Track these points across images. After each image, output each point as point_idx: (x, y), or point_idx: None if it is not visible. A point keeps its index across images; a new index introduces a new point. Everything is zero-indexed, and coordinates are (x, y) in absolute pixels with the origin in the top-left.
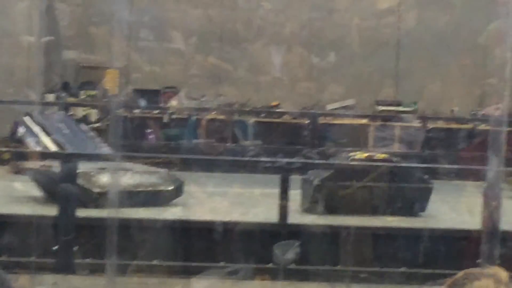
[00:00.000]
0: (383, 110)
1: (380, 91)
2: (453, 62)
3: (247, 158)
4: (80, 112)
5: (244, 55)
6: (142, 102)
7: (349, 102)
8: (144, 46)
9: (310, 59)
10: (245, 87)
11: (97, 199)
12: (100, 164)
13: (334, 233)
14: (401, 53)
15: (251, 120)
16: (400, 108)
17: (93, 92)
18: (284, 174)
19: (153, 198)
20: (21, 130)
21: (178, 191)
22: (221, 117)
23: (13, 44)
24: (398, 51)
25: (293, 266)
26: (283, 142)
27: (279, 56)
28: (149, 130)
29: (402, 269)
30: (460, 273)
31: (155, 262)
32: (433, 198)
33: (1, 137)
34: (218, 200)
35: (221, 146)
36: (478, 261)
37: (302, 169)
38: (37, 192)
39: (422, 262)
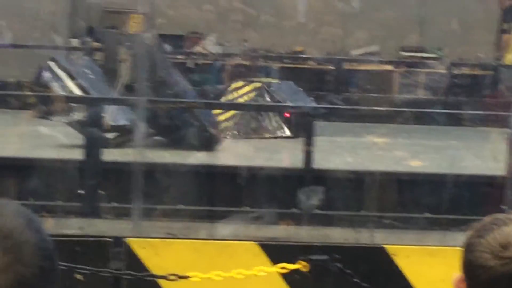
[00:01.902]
0: (407, 56)
1: (405, 37)
2: (479, 7)
3: (272, 104)
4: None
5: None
6: (166, 47)
7: (374, 48)
8: None
9: (334, 4)
10: (269, 32)
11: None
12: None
13: (358, 178)
14: None
15: (276, 65)
16: (425, 54)
17: None
18: (309, 119)
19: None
20: (46, 74)
21: None
22: (246, 62)
23: None
24: None
25: (317, 211)
26: (308, 88)
27: (304, 1)
28: None
29: (426, 215)
30: (487, 218)
31: (180, 206)
32: (458, 144)
33: (26, 81)
34: (243, 145)
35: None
36: (503, 207)
37: (327, 114)
38: (62, 136)
39: (446, 208)
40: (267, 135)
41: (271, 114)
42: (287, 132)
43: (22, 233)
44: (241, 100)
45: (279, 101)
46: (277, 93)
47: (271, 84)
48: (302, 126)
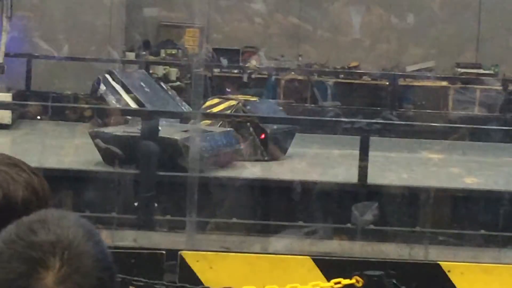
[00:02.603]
0: (463, 73)
1: (460, 53)
2: None
3: (326, 119)
4: (160, 70)
5: (324, 15)
6: (223, 61)
7: (429, 64)
8: (224, 5)
9: (390, 20)
10: (325, 47)
11: None
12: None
13: (413, 194)
14: (482, 15)
15: (331, 80)
16: (481, 71)
17: (173, 51)
18: (364, 135)
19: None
20: (102, 87)
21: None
22: (300, 77)
23: (96, 2)
24: (479, 14)
25: (371, 226)
26: (362, 103)
27: (359, 17)
28: (228, 90)
29: (482, 232)
30: None
31: (234, 220)
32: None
33: (83, 94)
34: (297, 160)
35: (300, 106)
36: None
37: (382, 130)
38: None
39: (502, 225)
40: (242, 157)
41: (250, 136)
42: (264, 155)
43: (82, 244)
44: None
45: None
46: (252, 112)
47: (248, 102)
48: (278, 148)
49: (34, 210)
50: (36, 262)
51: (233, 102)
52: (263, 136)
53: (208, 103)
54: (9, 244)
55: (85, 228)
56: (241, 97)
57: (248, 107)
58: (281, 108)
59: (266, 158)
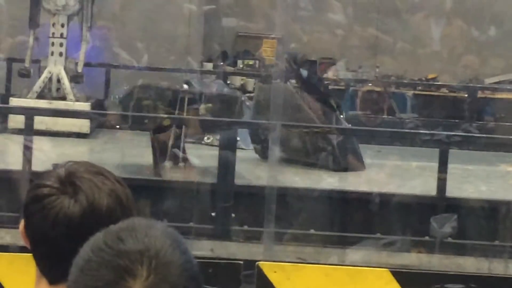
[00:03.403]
0: None
1: None
2: None
3: (405, 130)
4: (237, 81)
5: (403, 26)
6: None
7: (509, 76)
8: (302, 15)
9: (470, 32)
10: (403, 59)
11: None
12: None
13: (491, 207)
14: None
15: (409, 92)
16: None
17: (250, 61)
18: (443, 147)
19: None
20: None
21: None
22: (378, 88)
23: (175, 12)
24: None
25: (450, 239)
26: (441, 115)
27: (439, 29)
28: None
29: None
30: None
31: (311, 231)
32: None
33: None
34: (376, 171)
35: (378, 118)
36: None
37: (461, 143)
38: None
39: None
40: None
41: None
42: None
43: (169, 254)
44: None
45: None
46: None
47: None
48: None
49: (118, 218)
50: (123, 270)
51: None
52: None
53: None
54: (97, 252)
55: (172, 237)
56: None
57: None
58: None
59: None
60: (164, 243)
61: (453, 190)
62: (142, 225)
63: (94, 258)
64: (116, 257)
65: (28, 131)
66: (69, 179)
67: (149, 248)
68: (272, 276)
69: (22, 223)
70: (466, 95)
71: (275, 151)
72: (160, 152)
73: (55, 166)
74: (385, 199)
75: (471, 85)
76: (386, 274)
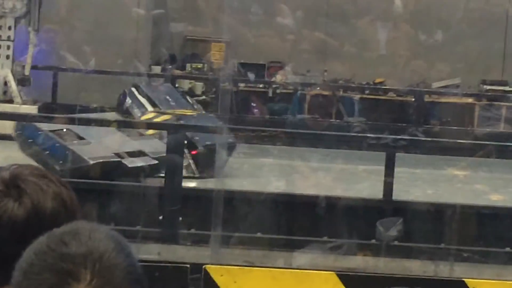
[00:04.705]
0: (489, 90)
1: (487, 71)
2: None
3: (352, 134)
4: (186, 84)
5: (350, 30)
6: (250, 76)
7: (455, 80)
8: (250, 19)
9: (416, 36)
10: (351, 63)
11: None
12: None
13: (438, 211)
14: (509, 33)
15: (356, 96)
16: (507, 88)
17: (199, 65)
18: (390, 150)
19: None
20: (128, 101)
21: None
22: (326, 92)
23: (123, 16)
24: (506, 31)
25: (396, 243)
26: (388, 119)
27: (386, 33)
28: (253, 104)
29: (507, 249)
30: None
31: (258, 234)
32: None
33: (109, 107)
34: (322, 175)
35: (325, 122)
36: None
37: (408, 146)
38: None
39: None
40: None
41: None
42: (195, 172)
43: (113, 257)
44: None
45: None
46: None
47: (184, 116)
48: (209, 165)
49: (62, 222)
50: (67, 274)
51: (167, 117)
52: (194, 152)
53: (145, 117)
54: (40, 255)
55: (116, 240)
56: (178, 111)
57: (182, 121)
58: (221, 122)
59: (196, 175)
60: (108, 246)
61: (400, 193)
62: (85, 228)
63: (37, 261)
64: (60, 260)
65: None
66: (13, 182)
67: (92, 252)
68: (219, 280)
69: None
70: (413, 99)
71: (223, 155)
72: None
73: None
74: (332, 203)
75: (418, 89)
76: (332, 277)
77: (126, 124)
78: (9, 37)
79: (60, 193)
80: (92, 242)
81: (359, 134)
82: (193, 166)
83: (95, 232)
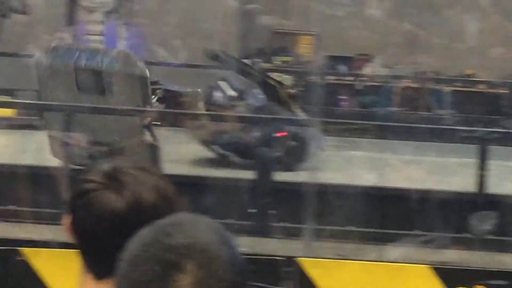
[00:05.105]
0: None
1: None
2: None
3: (444, 127)
4: (274, 77)
5: (440, 22)
6: (341, 69)
7: None
8: (340, 12)
9: (507, 27)
10: (440, 54)
11: None
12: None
13: None
14: None
15: (446, 88)
16: None
17: (287, 58)
18: (483, 143)
19: None
20: (216, 94)
21: None
22: (415, 85)
23: (212, 10)
24: None
25: (489, 236)
26: (478, 111)
27: (476, 24)
28: (341, 97)
29: None
30: None
31: (351, 227)
32: None
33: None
34: (414, 168)
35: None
36: None
37: (501, 139)
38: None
39: None
40: None
41: None
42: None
43: (217, 249)
44: None
45: None
46: None
47: None
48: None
49: (162, 214)
50: (171, 265)
51: None
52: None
53: None
54: (145, 246)
55: (219, 232)
56: None
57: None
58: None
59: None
60: (212, 238)
61: (493, 186)
62: (189, 220)
63: (142, 252)
64: (164, 251)
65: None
66: (114, 174)
67: (196, 243)
68: (312, 272)
69: (67, 219)
70: (505, 91)
71: (314, 147)
72: None
73: (100, 161)
74: (425, 196)
75: (510, 81)
76: (426, 270)
77: (217, 117)
78: (99, 31)
79: (159, 186)
80: (196, 233)
81: (452, 127)
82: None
83: (199, 224)
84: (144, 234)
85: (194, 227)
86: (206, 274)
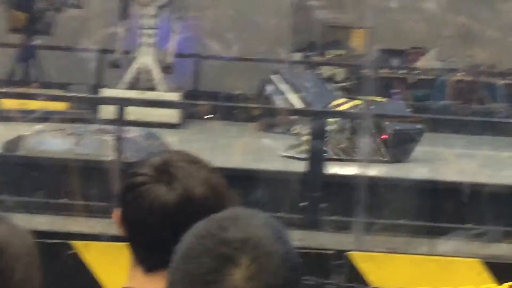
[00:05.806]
0: None
1: None
2: None
3: (498, 120)
4: (326, 71)
5: (494, 14)
6: (395, 62)
7: None
8: (393, 5)
9: None
10: (495, 48)
11: None
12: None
13: None
14: None
15: (500, 82)
16: None
17: (339, 52)
18: None
19: None
20: (269, 88)
21: None
22: (469, 78)
23: (265, 3)
24: None
25: None
26: None
27: None
28: (394, 90)
29: None
30: None
31: (401, 221)
32: None
33: (251, 94)
34: (467, 161)
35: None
36: None
37: None
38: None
39: None
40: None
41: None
42: (385, 156)
43: (271, 244)
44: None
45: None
46: (377, 112)
47: (373, 102)
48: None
49: (212, 207)
50: (226, 258)
51: (358, 102)
52: (384, 136)
53: (335, 102)
54: (200, 239)
55: (274, 227)
56: (369, 97)
57: (373, 107)
58: (409, 110)
59: (385, 159)
60: (266, 233)
61: None
62: (244, 214)
63: (197, 246)
64: (219, 245)
65: (120, 121)
66: (164, 167)
67: (251, 237)
68: (362, 266)
69: (117, 212)
70: None
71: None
72: None
73: (150, 155)
74: (476, 189)
75: None
76: (477, 264)
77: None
78: (152, 25)
79: (210, 179)
80: (251, 228)
81: (505, 120)
82: (382, 150)
83: (254, 218)
84: (200, 227)
85: (249, 221)
86: (259, 268)
